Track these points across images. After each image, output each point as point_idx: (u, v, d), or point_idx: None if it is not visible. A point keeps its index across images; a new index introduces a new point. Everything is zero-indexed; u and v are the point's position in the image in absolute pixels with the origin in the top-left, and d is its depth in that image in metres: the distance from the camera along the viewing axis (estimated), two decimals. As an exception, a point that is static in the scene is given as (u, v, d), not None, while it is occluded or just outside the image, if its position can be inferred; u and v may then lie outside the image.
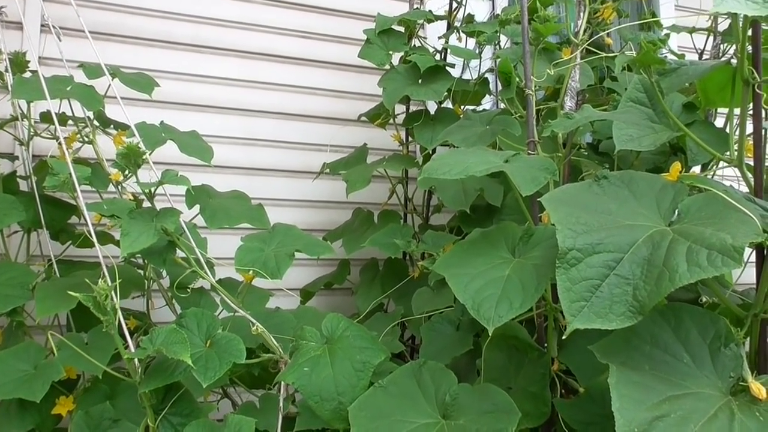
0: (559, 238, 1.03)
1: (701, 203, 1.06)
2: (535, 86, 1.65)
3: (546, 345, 1.44)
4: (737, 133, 1.31)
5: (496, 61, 2.86)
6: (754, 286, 1.87)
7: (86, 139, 1.93)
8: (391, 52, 2.34)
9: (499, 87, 2.89)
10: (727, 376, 1.00)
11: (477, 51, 2.43)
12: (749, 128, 1.21)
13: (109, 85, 1.88)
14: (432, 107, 2.47)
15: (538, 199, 1.18)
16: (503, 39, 2.44)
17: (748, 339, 1.15)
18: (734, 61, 1.23)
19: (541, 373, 1.34)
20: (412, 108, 2.54)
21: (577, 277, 0.99)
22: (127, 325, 1.91)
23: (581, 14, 1.69)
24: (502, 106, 2.55)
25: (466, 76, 2.58)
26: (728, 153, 1.24)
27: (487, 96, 2.61)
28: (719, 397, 0.97)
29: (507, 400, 1.19)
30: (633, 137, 1.45)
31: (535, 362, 1.37)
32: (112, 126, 2.07)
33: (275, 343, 1.52)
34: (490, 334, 1.10)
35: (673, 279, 0.92)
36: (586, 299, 0.98)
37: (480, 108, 2.62)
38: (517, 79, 1.54)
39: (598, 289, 0.98)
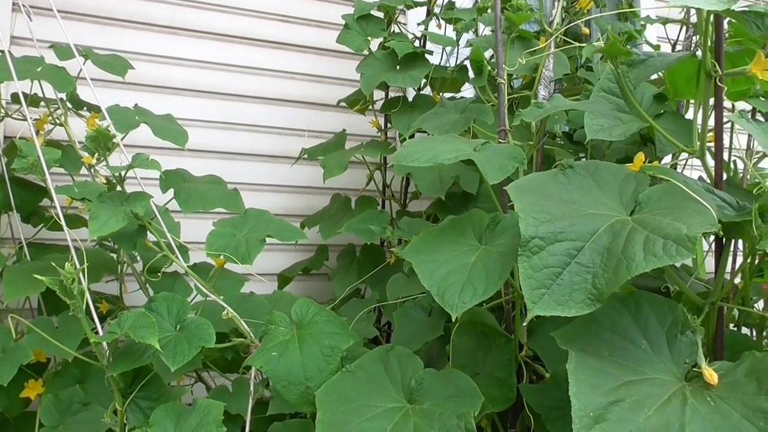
0: (522, 226, 1.04)
1: (661, 193, 1.07)
2: (511, 75, 1.65)
3: (514, 332, 1.45)
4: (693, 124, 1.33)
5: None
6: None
7: (58, 122, 1.91)
8: (369, 38, 2.34)
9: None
10: (682, 363, 1.03)
11: (456, 38, 2.43)
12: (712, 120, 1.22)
13: (81, 67, 1.87)
14: (411, 94, 2.47)
15: (504, 188, 1.19)
16: (482, 27, 2.44)
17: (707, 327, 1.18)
18: (699, 53, 1.24)
19: (507, 358, 1.36)
20: (391, 94, 2.54)
21: (539, 264, 1.01)
22: (99, 309, 1.92)
23: (556, 3, 1.70)
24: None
25: (447, 63, 2.58)
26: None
27: (467, 84, 2.62)
28: (674, 382, 1.00)
29: (470, 385, 1.20)
30: (604, 127, 1.47)
31: (502, 348, 1.38)
32: (85, 108, 2.06)
33: (246, 327, 1.53)
34: (454, 320, 1.11)
35: (630, 267, 0.93)
36: (547, 287, 0.99)
37: (459, 96, 2.62)
38: (489, 67, 1.54)
39: (558, 277, 1.00)
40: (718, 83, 1.12)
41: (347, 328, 1.40)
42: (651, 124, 1.27)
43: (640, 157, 1.16)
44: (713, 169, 1.18)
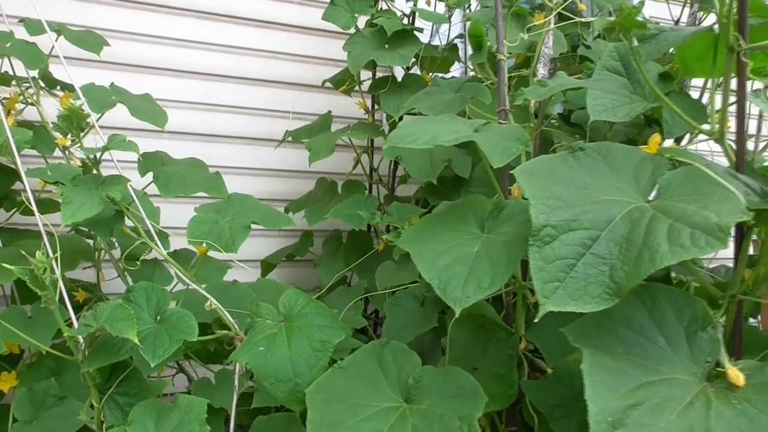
0: (533, 213, 0.96)
1: (682, 178, 1.00)
2: (507, 53, 1.57)
3: (515, 324, 1.38)
4: (715, 104, 1.25)
5: (465, 26, 2.78)
6: (722, 264, 1.85)
7: (29, 101, 1.81)
8: (356, 15, 2.24)
9: (469, 54, 2.82)
10: (703, 361, 0.95)
11: (447, 15, 2.34)
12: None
13: (53, 44, 1.76)
14: (399, 74, 2.38)
15: (511, 172, 1.11)
16: (474, 4, 2.36)
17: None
18: (717, 27, 1.16)
19: (508, 354, 1.28)
20: (379, 74, 2.45)
21: (551, 255, 0.93)
22: (75, 297, 1.83)
23: (556, -23, 1.61)
24: (472, 74, 2.49)
25: (436, 42, 2.49)
26: (709, 125, 1.17)
27: (456, 64, 2.53)
28: (695, 383, 0.92)
29: (472, 384, 1.13)
30: (608, 107, 1.40)
31: (503, 342, 1.30)
32: (59, 87, 1.95)
33: (231, 319, 1.44)
34: (457, 315, 1.04)
35: (654, 259, 0.86)
36: (560, 280, 0.92)
37: (449, 76, 2.54)
38: (489, 43, 1.46)
39: (572, 269, 0.92)
40: (742, 58, 1.04)
41: (338, 321, 1.32)
42: (661, 104, 1.19)
43: (655, 138, 1.09)
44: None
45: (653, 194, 1.00)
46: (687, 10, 2.03)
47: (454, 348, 1.35)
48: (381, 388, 1.17)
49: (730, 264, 1.83)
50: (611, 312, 0.98)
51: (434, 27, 2.47)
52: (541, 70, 1.63)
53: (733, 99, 1.12)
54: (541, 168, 1.07)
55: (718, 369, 0.93)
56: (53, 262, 1.23)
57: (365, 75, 2.43)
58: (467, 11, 2.32)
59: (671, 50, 1.59)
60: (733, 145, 1.12)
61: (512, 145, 1.16)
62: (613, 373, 0.91)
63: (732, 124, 1.15)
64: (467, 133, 1.19)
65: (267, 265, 2.52)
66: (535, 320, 0.90)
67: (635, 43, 1.14)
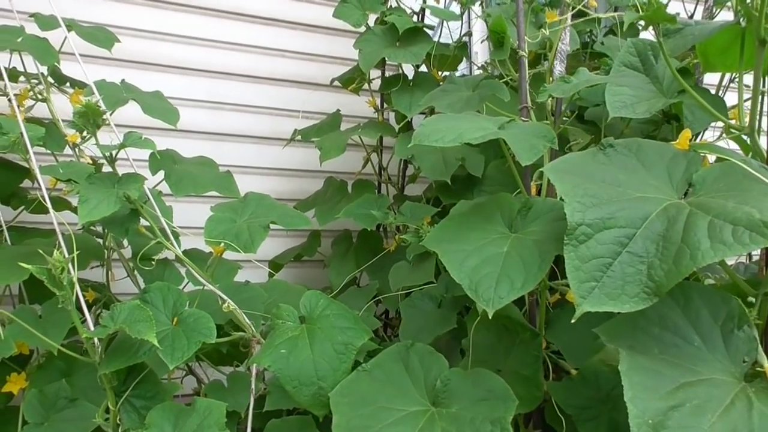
0: (568, 211, 0.94)
1: (718, 174, 0.98)
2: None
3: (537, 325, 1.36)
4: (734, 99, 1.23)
5: (471, 24, 2.76)
6: (740, 262, 1.83)
7: (39, 97, 1.78)
8: (367, 12, 2.22)
9: (474, 52, 2.79)
10: (740, 361, 0.93)
11: (459, 12, 2.32)
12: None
13: (65, 38, 1.73)
14: (409, 72, 2.36)
15: (541, 169, 1.09)
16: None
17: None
18: (743, 20, 1.14)
19: (534, 355, 1.26)
20: (388, 73, 2.43)
21: (587, 254, 0.91)
22: (85, 297, 1.80)
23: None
24: (478, 71, 2.47)
25: (443, 39, 2.47)
26: (736, 120, 1.16)
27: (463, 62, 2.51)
28: (734, 383, 0.90)
29: (503, 386, 1.10)
30: (626, 104, 1.38)
31: (528, 343, 1.28)
32: (68, 84, 1.93)
33: (247, 320, 1.42)
34: (490, 317, 1.01)
35: (695, 257, 0.84)
36: (597, 279, 0.90)
37: (459, 74, 2.52)
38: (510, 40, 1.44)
39: (609, 268, 0.90)
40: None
41: (361, 323, 1.30)
42: (696, 99, 1.17)
43: (686, 134, 1.07)
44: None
45: (688, 191, 0.98)
46: (701, 7, 2.01)
47: (477, 350, 1.32)
48: (407, 391, 1.15)
49: (747, 262, 1.83)
50: (645, 311, 0.96)
51: (443, 24, 2.45)
52: (558, 67, 1.61)
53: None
54: (571, 165, 1.05)
55: (756, 368, 0.92)
56: (70, 262, 1.21)
57: (374, 74, 2.41)
58: (482, 6, 2.30)
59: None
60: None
61: (539, 143, 1.15)
62: (651, 374, 0.90)
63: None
64: (493, 131, 1.17)
65: (275, 266, 2.49)
66: (572, 320, 0.88)
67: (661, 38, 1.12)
